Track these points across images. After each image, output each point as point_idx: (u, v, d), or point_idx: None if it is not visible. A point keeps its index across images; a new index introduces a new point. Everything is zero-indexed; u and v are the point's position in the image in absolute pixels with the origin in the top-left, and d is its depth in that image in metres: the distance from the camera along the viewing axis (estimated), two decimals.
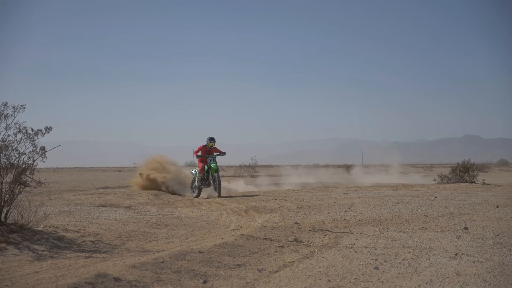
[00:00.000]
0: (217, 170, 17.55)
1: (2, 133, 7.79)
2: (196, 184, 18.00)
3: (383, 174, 40.13)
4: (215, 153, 18.09)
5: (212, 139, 18.15)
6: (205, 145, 18.20)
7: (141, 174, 20.83)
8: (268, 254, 6.61)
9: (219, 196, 17.02)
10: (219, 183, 17.46)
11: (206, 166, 17.88)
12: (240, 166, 44.41)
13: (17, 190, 7.75)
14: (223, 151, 18.38)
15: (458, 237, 7.49)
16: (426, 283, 4.96)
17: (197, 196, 17.46)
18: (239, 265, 5.88)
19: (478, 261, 5.80)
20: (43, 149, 7.97)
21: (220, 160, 18.94)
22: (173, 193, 19.06)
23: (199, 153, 18.19)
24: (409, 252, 6.44)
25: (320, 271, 5.54)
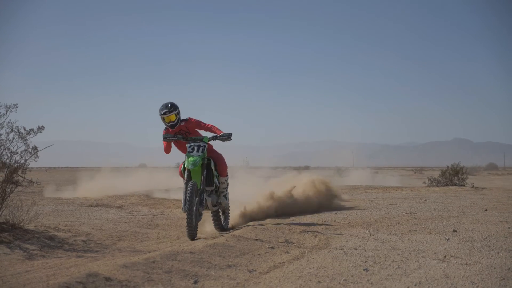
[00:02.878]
0: (204, 170, 8.70)
1: None
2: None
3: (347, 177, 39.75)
4: (208, 136, 9.04)
5: (167, 107, 8.90)
6: (166, 129, 9.16)
7: None
8: (258, 255, 6.64)
9: (220, 229, 9.35)
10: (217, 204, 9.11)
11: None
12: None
13: (9, 189, 7.74)
14: (220, 132, 9.00)
15: (447, 240, 7.55)
16: (415, 285, 5.02)
17: (192, 233, 8.05)
18: (229, 266, 5.91)
19: (466, 264, 5.86)
20: (35, 148, 7.98)
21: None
22: None
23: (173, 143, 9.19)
24: (399, 254, 6.50)
25: (310, 272, 5.58)
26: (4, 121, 7.82)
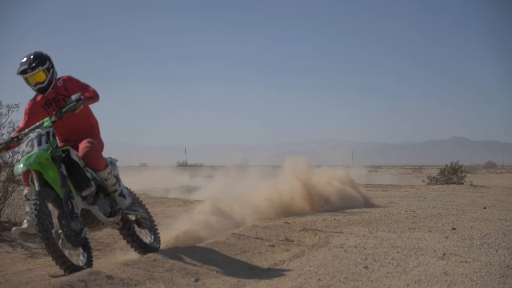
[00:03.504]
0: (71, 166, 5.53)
1: None
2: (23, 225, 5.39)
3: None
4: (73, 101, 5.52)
5: (29, 61, 5.69)
6: (34, 97, 6.01)
7: None
8: (259, 253, 6.67)
9: (145, 250, 6.28)
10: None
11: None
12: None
13: (10, 189, 7.78)
14: (90, 92, 5.89)
15: (446, 238, 7.59)
16: (415, 282, 5.05)
17: (66, 263, 5.14)
18: (230, 264, 5.94)
19: (465, 261, 5.89)
20: None
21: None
22: None
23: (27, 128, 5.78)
24: (398, 252, 6.53)
25: (310, 270, 5.60)
26: (6, 120, 7.88)
